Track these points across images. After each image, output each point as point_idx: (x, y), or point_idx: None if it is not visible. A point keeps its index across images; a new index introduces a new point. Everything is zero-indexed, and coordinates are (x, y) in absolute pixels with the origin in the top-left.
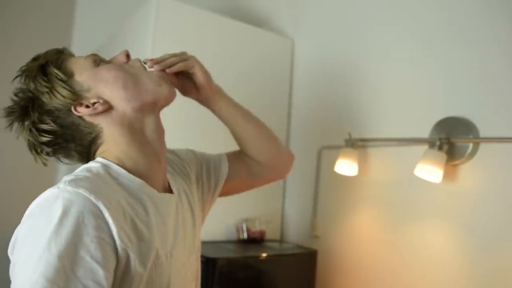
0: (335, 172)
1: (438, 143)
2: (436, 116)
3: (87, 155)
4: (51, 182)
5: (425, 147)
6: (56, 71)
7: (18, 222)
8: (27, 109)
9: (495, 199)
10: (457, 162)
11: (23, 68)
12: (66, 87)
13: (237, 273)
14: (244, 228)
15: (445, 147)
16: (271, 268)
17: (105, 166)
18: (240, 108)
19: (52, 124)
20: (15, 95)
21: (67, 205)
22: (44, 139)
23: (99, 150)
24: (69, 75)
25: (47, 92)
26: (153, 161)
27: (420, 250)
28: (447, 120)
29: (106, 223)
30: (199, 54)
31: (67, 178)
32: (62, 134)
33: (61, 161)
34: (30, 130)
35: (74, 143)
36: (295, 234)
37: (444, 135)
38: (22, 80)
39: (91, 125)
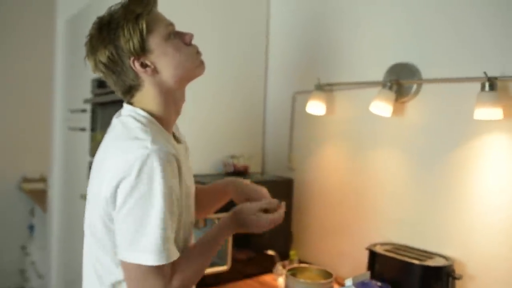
0: (306, 113)
1: (388, 84)
2: (388, 62)
3: (124, 93)
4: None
5: (379, 88)
6: (144, 26)
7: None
8: (108, 32)
9: (434, 129)
10: (404, 99)
11: (125, 4)
12: (140, 42)
13: None
14: (230, 163)
15: (394, 87)
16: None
17: (150, 121)
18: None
19: (114, 55)
20: (110, 11)
21: (161, 162)
22: (103, 59)
23: (136, 97)
24: (149, 31)
25: (127, 37)
26: (172, 117)
27: (376, 173)
28: (396, 66)
29: (180, 168)
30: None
31: (141, 134)
32: (114, 66)
33: (104, 80)
34: (97, 49)
35: (118, 78)
36: (274, 167)
37: (394, 78)
38: (120, 12)
39: (136, 76)
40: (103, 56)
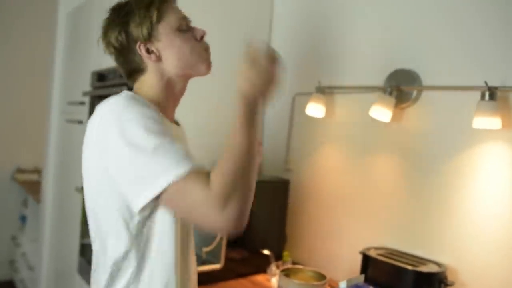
0: (306, 115)
1: (389, 89)
2: (390, 68)
3: (128, 75)
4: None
5: (379, 93)
6: (154, 14)
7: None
8: (121, 16)
9: (432, 136)
10: (404, 105)
11: None
12: (149, 29)
13: None
14: None
15: (395, 93)
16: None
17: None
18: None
19: (123, 38)
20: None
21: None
22: (113, 41)
23: (137, 83)
24: (159, 19)
25: (137, 23)
26: (170, 107)
27: (373, 177)
28: (398, 71)
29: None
30: None
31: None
32: (122, 49)
33: (119, 66)
34: (109, 30)
35: (125, 60)
36: (271, 167)
37: (394, 83)
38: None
39: (141, 61)
40: (113, 39)
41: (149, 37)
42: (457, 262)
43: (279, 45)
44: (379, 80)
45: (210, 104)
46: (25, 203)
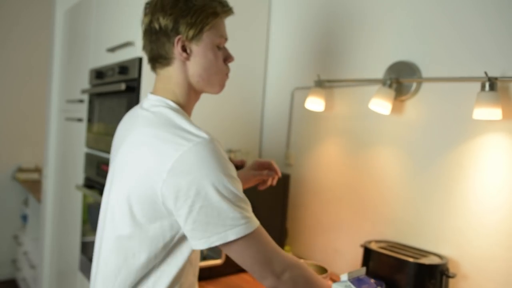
0: (305, 109)
1: (388, 82)
2: (389, 60)
3: (151, 58)
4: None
5: (379, 86)
6: (211, 24)
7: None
8: (180, 5)
9: (432, 127)
10: (403, 98)
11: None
12: (197, 33)
13: None
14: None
15: (394, 85)
16: (252, 187)
17: (182, 113)
18: None
19: (168, 26)
20: None
21: (218, 146)
22: (162, 22)
23: (161, 78)
24: (209, 27)
25: (191, 22)
26: (190, 109)
27: (373, 170)
28: (397, 64)
29: None
30: None
31: (188, 126)
32: (161, 32)
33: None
34: (161, 11)
35: (155, 40)
36: None
37: (394, 76)
38: (200, 2)
39: (170, 51)
40: (162, 20)
41: (192, 38)
42: (459, 254)
43: (277, 38)
44: (378, 72)
45: (211, 100)
46: (26, 202)
